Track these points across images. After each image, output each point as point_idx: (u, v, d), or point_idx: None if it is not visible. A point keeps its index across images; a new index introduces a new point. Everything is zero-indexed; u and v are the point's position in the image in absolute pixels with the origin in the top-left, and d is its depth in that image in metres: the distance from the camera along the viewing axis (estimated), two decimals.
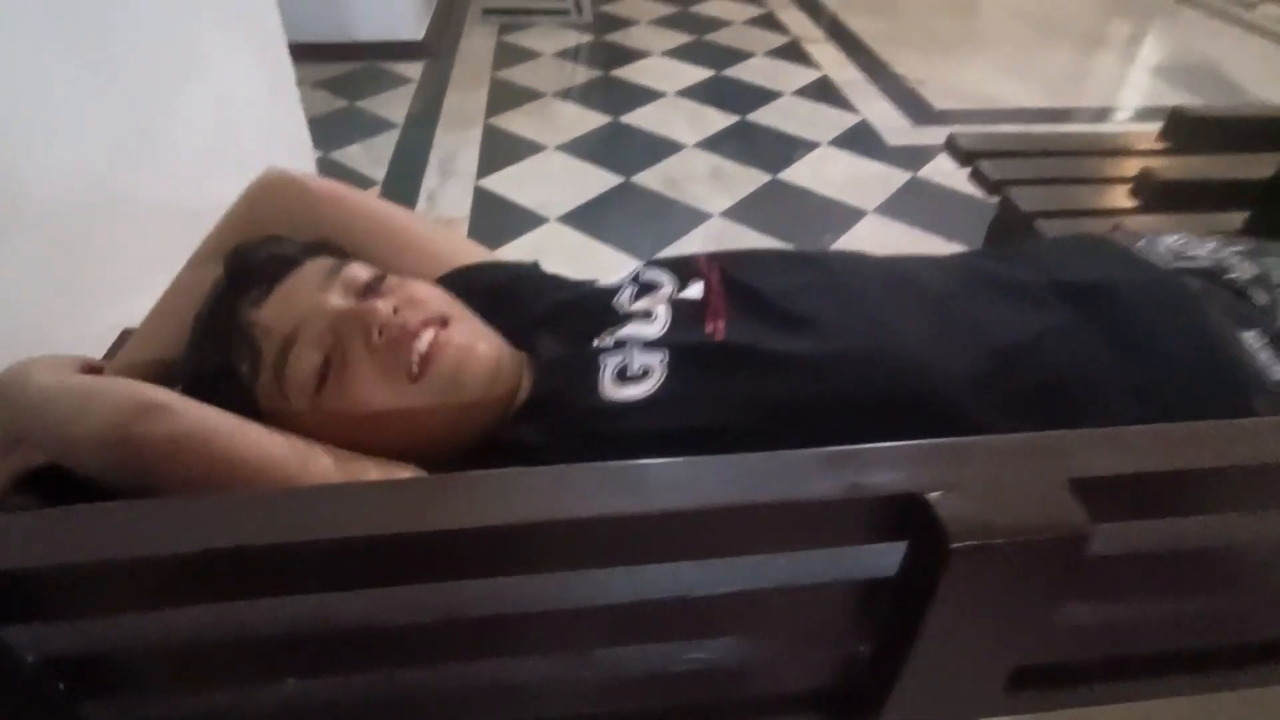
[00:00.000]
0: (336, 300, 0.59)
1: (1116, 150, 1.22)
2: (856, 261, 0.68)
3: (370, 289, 0.60)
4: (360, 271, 0.61)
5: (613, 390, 0.58)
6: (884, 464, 0.41)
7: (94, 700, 0.44)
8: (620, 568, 0.43)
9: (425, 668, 0.45)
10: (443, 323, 0.60)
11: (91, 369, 0.66)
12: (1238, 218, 0.90)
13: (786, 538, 0.42)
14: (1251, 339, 0.60)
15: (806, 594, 0.45)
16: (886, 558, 0.44)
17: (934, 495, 0.39)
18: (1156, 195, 0.94)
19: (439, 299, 0.62)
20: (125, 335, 0.90)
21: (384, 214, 0.75)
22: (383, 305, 0.58)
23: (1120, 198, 1.02)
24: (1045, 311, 0.61)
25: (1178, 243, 0.68)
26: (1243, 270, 0.64)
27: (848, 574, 0.45)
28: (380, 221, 0.74)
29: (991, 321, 0.60)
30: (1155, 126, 1.28)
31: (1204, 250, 0.67)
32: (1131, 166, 1.05)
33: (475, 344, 0.61)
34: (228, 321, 0.59)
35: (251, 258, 0.62)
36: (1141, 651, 0.53)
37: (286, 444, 0.54)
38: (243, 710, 0.46)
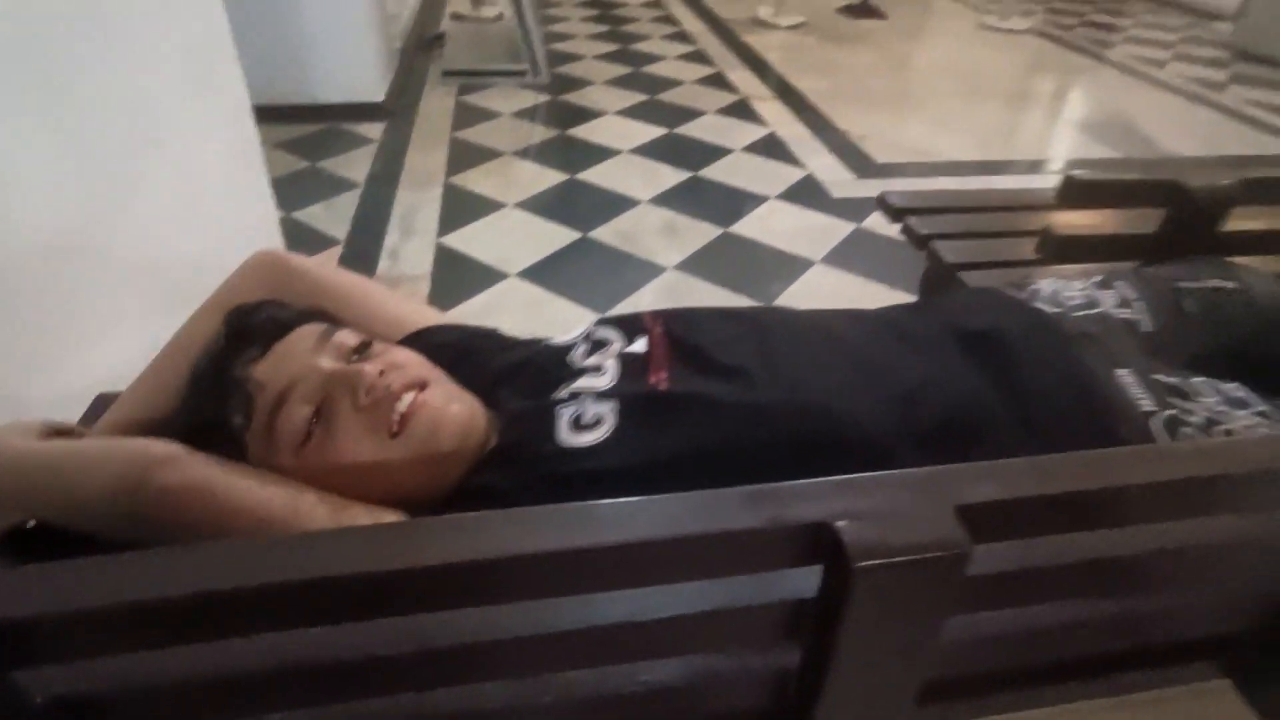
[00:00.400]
0: (327, 362, 0.64)
1: (1029, 206, 1.34)
2: (784, 316, 0.77)
3: (358, 353, 0.66)
4: (349, 337, 0.67)
5: (569, 438, 0.64)
6: (799, 498, 0.48)
7: None
8: (576, 598, 0.49)
9: (401, 696, 0.50)
10: (421, 386, 0.66)
11: (59, 432, 0.70)
12: (1128, 268, 1.00)
13: (719, 565, 0.48)
14: (1124, 375, 0.70)
15: (742, 615, 0.51)
16: (809, 581, 0.50)
17: (840, 524, 0.45)
18: (1059, 249, 1.05)
19: (418, 364, 0.68)
20: (101, 399, 0.93)
21: (355, 284, 0.83)
22: (369, 368, 0.64)
23: (1030, 250, 1.13)
24: (944, 358, 0.70)
25: (1053, 287, 0.80)
26: (1107, 300, 0.75)
27: (777, 597, 0.51)
28: (352, 290, 0.82)
29: (898, 369, 0.69)
30: None
31: (1075, 290, 0.78)
32: (1040, 222, 1.16)
33: (450, 404, 0.67)
34: (225, 376, 0.64)
35: (251, 318, 0.68)
36: (1035, 663, 0.60)
37: (282, 492, 0.59)
38: None
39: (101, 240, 1.23)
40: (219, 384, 0.64)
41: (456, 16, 4.48)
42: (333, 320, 0.71)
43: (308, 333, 0.67)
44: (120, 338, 1.20)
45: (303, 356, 0.65)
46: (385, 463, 0.62)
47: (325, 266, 0.83)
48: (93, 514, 0.57)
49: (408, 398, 0.64)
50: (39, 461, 0.60)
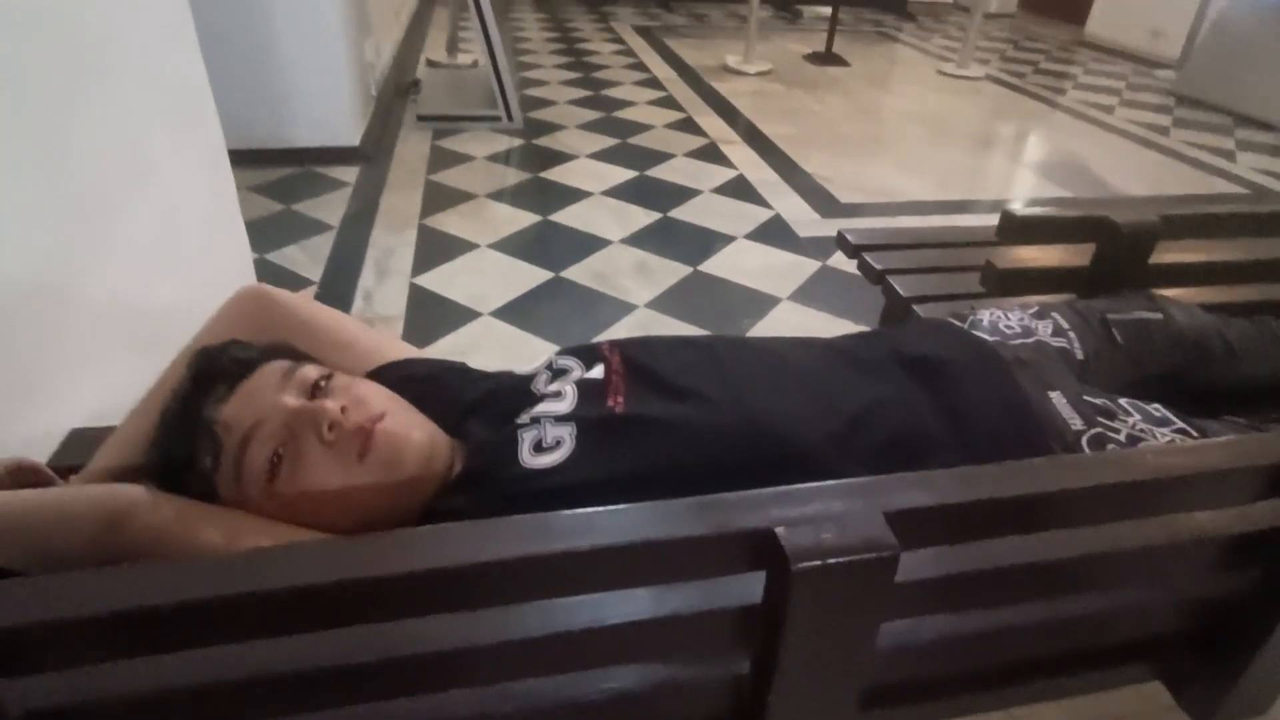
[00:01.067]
0: (291, 399, 0.66)
1: (976, 242, 1.41)
2: (738, 343, 0.81)
3: (318, 388, 0.69)
4: (311, 372, 0.69)
5: (531, 460, 0.67)
6: (744, 508, 0.51)
7: None
8: (537, 606, 0.51)
9: (365, 705, 0.52)
10: (382, 417, 0.68)
11: (22, 469, 0.72)
12: (1063, 300, 1.07)
13: (671, 570, 0.51)
14: (1056, 397, 0.75)
15: (696, 621, 0.54)
16: (755, 588, 0.53)
17: (780, 530, 0.49)
18: (1000, 282, 1.11)
19: (378, 397, 0.71)
20: (75, 435, 0.95)
21: (334, 318, 0.86)
22: (331, 404, 0.66)
23: (975, 284, 1.19)
24: (887, 382, 0.75)
25: (993, 316, 0.86)
26: (1043, 329, 0.81)
27: (727, 604, 0.55)
28: (330, 324, 0.85)
29: (843, 392, 0.73)
30: None
31: (1012, 321, 0.84)
32: (984, 257, 1.22)
33: (411, 431, 0.69)
34: (193, 418, 0.66)
35: (216, 360, 0.70)
36: (972, 669, 0.63)
37: (248, 534, 0.61)
38: None
39: (78, 280, 1.24)
40: (186, 426, 0.66)
41: (432, 63, 4.58)
42: (296, 356, 0.73)
43: (272, 370, 0.69)
44: (97, 376, 1.21)
45: (267, 395, 0.67)
46: (353, 490, 0.65)
47: (308, 301, 0.86)
48: (60, 562, 0.59)
49: (369, 429, 0.66)
50: (9, 513, 0.61)
